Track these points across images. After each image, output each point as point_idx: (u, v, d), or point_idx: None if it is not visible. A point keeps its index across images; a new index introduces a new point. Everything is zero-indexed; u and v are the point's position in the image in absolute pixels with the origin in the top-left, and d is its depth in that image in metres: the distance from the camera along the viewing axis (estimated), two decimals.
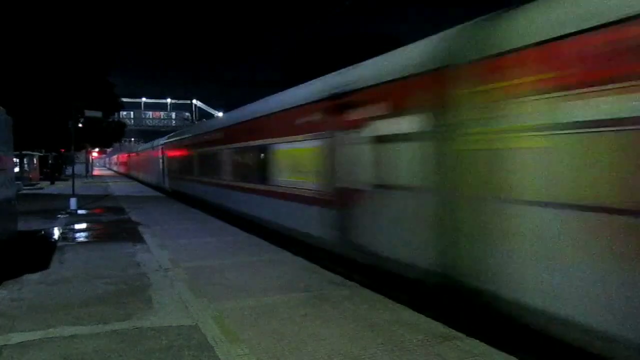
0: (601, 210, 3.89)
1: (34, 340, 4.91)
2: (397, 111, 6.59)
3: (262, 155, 11.86)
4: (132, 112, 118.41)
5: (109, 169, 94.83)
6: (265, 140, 11.63)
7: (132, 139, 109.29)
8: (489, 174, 5.00)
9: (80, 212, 17.27)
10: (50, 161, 45.71)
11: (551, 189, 4.33)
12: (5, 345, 4.78)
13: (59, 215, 16.10)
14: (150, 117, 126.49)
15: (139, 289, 6.83)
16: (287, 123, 10.32)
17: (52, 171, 42.44)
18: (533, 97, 4.53)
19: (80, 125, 30.36)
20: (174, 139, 26.19)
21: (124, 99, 57.56)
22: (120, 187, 33.83)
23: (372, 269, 7.34)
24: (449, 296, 5.72)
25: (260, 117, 12.33)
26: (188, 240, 11.01)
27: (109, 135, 51.80)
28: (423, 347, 4.63)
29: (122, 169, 66.70)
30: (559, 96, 4.31)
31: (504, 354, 4.42)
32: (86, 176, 53.26)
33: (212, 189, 17.18)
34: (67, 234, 12.31)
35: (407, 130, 6.32)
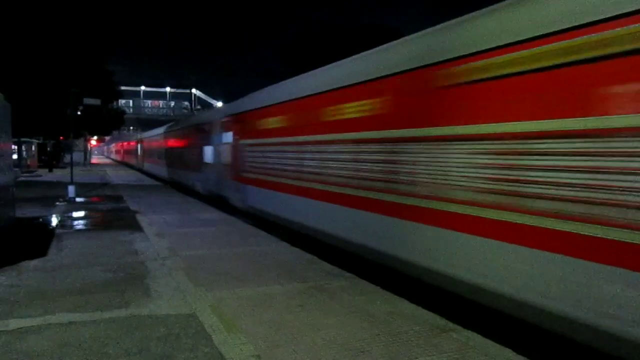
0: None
1: (31, 326, 4.93)
2: (233, 130, 13.81)
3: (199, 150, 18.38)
4: (131, 101, 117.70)
5: (108, 157, 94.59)
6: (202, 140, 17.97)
7: (131, 128, 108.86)
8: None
9: (78, 199, 17.26)
10: (48, 149, 45.57)
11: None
12: (4, 331, 4.81)
13: (57, 203, 16.10)
14: (149, 105, 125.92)
15: (137, 277, 6.85)
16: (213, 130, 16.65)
17: (50, 159, 42.32)
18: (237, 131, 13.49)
19: (79, 112, 30.23)
20: (154, 133, 33.05)
21: (123, 87, 57.31)
22: (119, 176, 33.80)
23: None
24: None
25: (191, 125, 21.07)
26: (186, 229, 11.02)
27: (108, 123, 51.54)
28: (420, 338, 4.65)
29: (119, 157, 67.01)
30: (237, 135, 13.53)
31: (499, 346, 4.45)
32: (84, 164, 53.18)
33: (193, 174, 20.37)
34: (65, 222, 12.31)
35: (230, 141, 14.02)
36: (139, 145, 41.99)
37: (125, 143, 61.39)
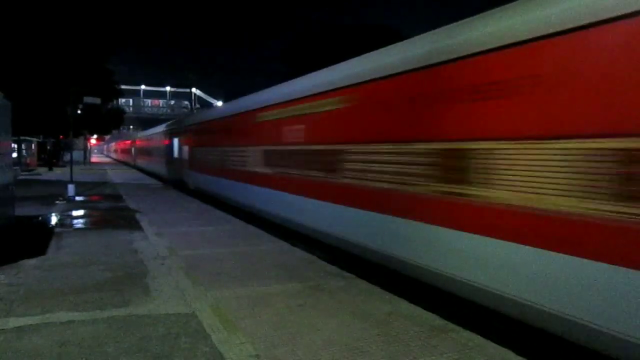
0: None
1: (30, 325, 4.92)
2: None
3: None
4: (131, 100, 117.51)
5: (107, 156, 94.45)
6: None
7: (131, 127, 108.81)
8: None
9: (78, 198, 17.24)
10: (48, 147, 45.56)
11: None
12: (3, 329, 4.80)
13: (57, 202, 16.08)
14: (149, 105, 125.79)
15: (136, 276, 6.84)
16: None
17: (50, 157, 42.31)
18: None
19: (79, 111, 30.22)
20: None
21: (123, 86, 57.17)
22: (118, 175, 33.77)
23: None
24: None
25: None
26: (185, 228, 11.01)
27: (108, 122, 51.57)
28: (419, 338, 4.65)
29: (120, 157, 66.44)
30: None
31: (498, 346, 4.45)
32: (84, 163, 53.15)
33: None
34: (65, 220, 12.30)
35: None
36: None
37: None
